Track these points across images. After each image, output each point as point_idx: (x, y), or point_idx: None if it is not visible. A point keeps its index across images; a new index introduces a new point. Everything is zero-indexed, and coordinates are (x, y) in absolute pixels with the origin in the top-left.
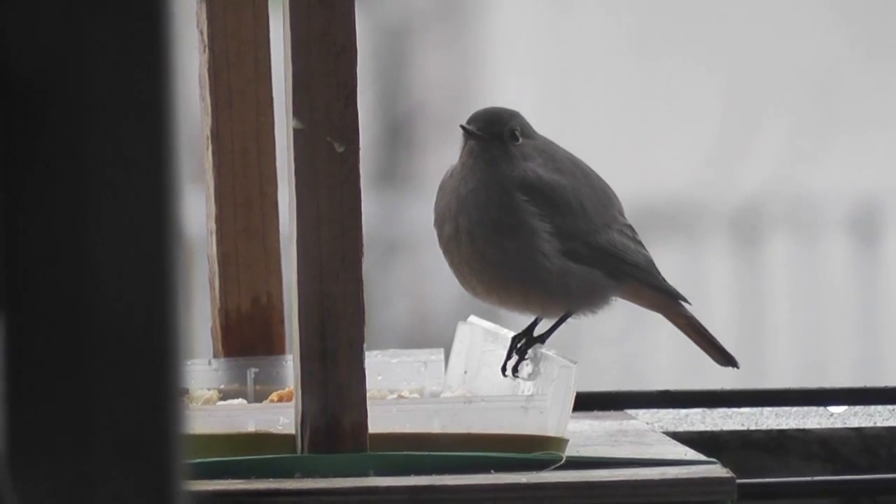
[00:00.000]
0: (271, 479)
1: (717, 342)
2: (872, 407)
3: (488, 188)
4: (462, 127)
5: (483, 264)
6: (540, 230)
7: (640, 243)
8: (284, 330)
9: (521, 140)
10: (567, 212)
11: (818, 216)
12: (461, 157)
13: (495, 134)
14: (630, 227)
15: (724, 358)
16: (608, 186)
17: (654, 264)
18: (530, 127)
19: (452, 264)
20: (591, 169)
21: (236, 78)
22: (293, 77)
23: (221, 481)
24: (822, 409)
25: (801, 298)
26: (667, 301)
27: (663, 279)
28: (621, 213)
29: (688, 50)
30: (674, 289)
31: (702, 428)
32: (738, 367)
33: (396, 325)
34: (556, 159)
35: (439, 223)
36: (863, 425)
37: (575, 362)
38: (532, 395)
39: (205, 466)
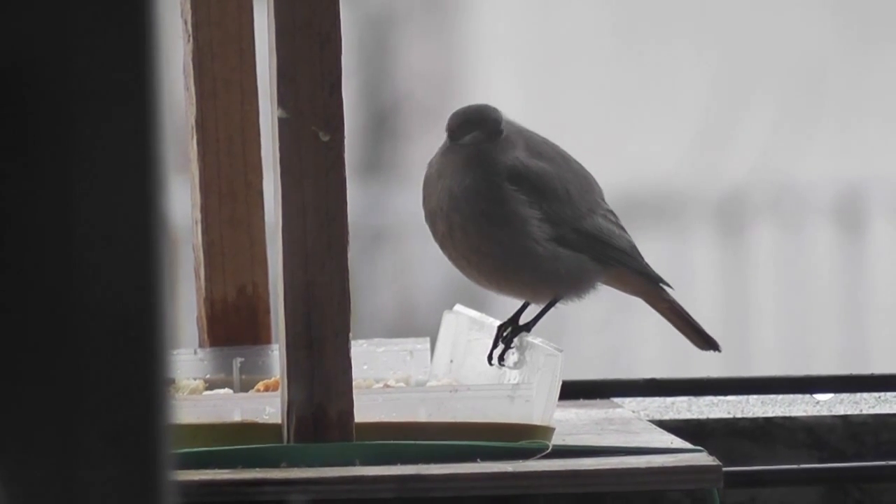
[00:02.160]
0: (257, 469)
1: (699, 326)
2: (858, 394)
3: (478, 183)
4: (465, 142)
5: (479, 257)
6: (530, 218)
7: (623, 228)
8: (270, 319)
9: (504, 132)
10: (553, 198)
11: (803, 205)
12: (443, 153)
13: (491, 132)
14: (612, 212)
15: (706, 341)
16: (588, 171)
17: (637, 249)
18: (503, 115)
19: (451, 258)
20: (569, 154)
21: (221, 67)
22: (278, 66)
23: (207, 471)
24: (808, 396)
25: (786, 287)
26: (649, 286)
27: (646, 264)
28: (602, 198)
29: (672, 39)
30: (656, 273)
31: (688, 416)
32: (719, 351)
33: (382, 315)
34: (535, 145)
35: (431, 220)
36: (848, 413)
37: (561, 351)
38: (518, 384)
39: (191, 456)
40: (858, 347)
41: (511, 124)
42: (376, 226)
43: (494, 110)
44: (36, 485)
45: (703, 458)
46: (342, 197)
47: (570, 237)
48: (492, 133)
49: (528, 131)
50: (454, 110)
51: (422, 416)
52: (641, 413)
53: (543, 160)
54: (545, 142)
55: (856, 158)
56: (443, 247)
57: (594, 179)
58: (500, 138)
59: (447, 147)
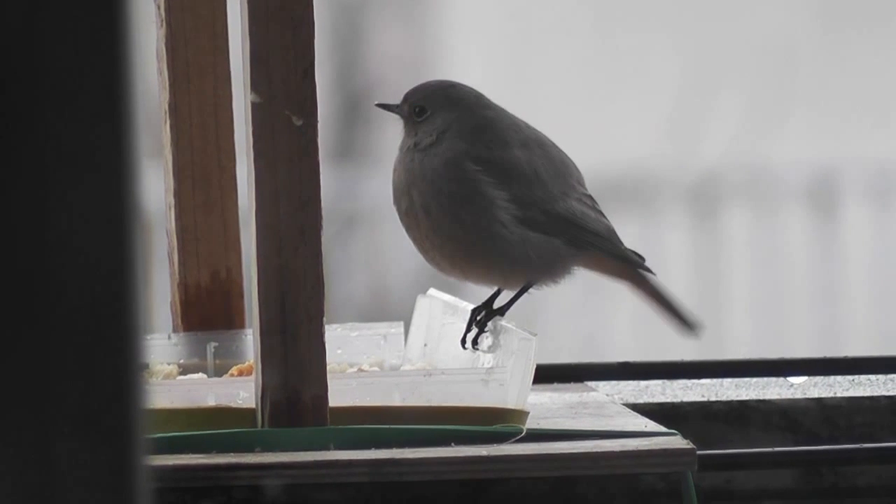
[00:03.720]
0: (231, 454)
1: (680, 310)
2: (832, 377)
3: (439, 161)
4: (377, 105)
5: (443, 238)
6: (496, 199)
7: (600, 212)
8: (244, 304)
9: (426, 114)
10: (522, 179)
11: (776, 187)
12: (402, 131)
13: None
14: (590, 196)
15: (687, 324)
16: (567, 157)
17: (615, 233)
18: (475, 98)
19: (415, 240)
20: (548, 139)
21: (194, 52)
22: (251, 51)
23: (182, 456)
24: (782, 379)
25: (759, 270)
26: (628, 269)
27: (625, 247)
28: (580, 183)
29: (645, 22)
30: (635, 257)
31: (662, 399)
32: (701, 332)
33: (356, 299)
34: (505, 128)
35: (396, 199)
36: (823, 396)
37: (535, 335)
38: (492, 368)
39: (165, 441)
40: (832, 330)
41: (495, 107)
42: (349, 210)
43: (440, 89)
44: (9, 470)
45: (677, 442)
46: (315, 181)
47: (541, 220)
48: (401, 109)
49: (505, 112)
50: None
51: (396, 400)
52: (615, 397)
53: (510, 143)
54: (520, 125)
55: (828, 142)
56: (407, 228)
57: (573, 164)
58: (416, 119)
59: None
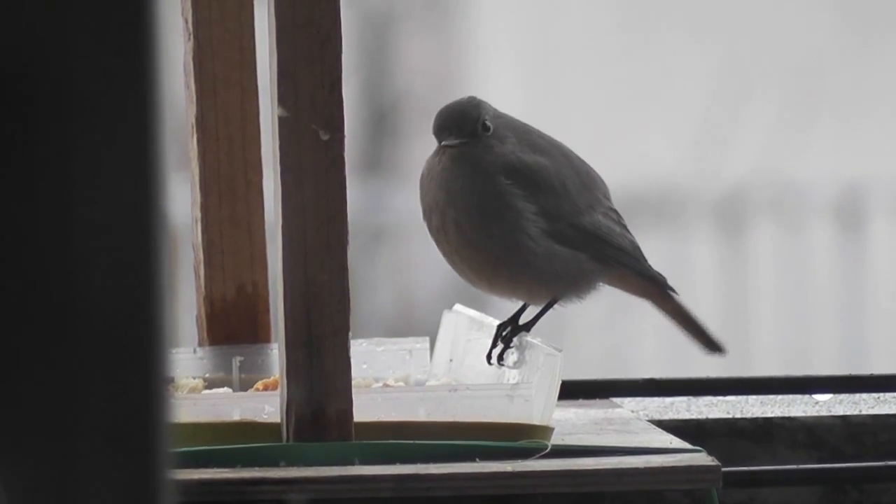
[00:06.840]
0: (256, 468)
1: (704, 329)
2: (858, 395)
3: (474, 178)
4: (444, 146)
5: (471, 251)
6: (525, 211)
7: (625, 227)
8: (270, 318)
9: (492, 128)
10: (550, 192)
11: (803, 204)
12: (437, 155)
13: (470, 133)
14: (615, 210)
15: (711, 345)
16: (592, 169)
17: (640, 249)
18: (492, 107)
19: (444, 254)
20: (571, 151)
21: (221, 66)
22: (278, 65)
23: (206, 470)
24: (807, 396)
25: (786, 286)
26: (652, 288)
27: (649, 266)
28: (606, 197)
29: (672, 38)
30: (660, 276)
31: (687, 416)
32: (725, 354)
33: (382, 314)
34: (532, 140)
35: (427, 216)
36: (848, 413)
37: (560, 350)
38: (517, 384)
39: (190, 455)
40: (858, 347)
41: (509, 118)
42: (376, 224)
43: (476, 107)
44: (35, 484)
45: (701, 458)
46: (342, 196)
47: (568, 233)
48: (472, 133)
49: (528, 126)
50: (440, 108)
51: (421, 415)
52: (641, 413)
53: (540, 154)
54: (544, 137)
55: (855, 157)
56: (437, 242)
57: (599, 177)
58: (487, 134)
59: (438, 150)
